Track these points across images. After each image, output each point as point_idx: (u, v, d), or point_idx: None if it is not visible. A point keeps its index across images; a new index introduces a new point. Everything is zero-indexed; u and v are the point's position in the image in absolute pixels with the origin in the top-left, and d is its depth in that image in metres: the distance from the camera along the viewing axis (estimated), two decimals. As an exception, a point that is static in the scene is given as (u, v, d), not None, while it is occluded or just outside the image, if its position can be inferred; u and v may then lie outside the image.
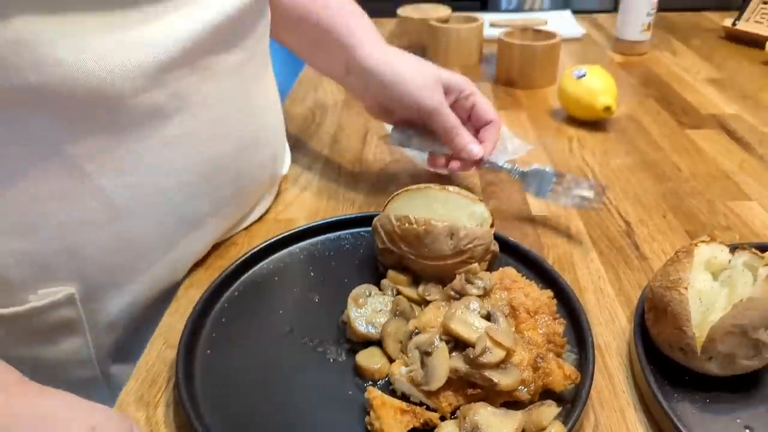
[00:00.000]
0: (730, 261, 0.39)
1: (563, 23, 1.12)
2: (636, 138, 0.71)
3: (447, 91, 0.55)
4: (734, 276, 0.38)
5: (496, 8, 2.16)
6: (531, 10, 2.16)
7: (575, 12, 2.22)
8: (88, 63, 0.35)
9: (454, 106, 0.55)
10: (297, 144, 0.70)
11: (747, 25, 1.04)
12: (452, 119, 0.54)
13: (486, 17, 1.02)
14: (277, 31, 0.58)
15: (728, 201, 0.58)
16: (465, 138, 0.53)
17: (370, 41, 0.55)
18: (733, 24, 1.05)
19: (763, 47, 0.94)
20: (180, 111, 0.41)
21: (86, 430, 0.29)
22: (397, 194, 0.46)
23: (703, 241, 0.40)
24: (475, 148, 0.53)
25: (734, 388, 0.36)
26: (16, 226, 0.38)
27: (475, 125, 0.56)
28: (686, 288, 0.36)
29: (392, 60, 0.54)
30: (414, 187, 0.46)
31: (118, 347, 0.46)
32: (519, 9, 2.16)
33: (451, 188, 0.46)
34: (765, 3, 1.04)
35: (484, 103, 0.56)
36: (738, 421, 0.35)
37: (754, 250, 0.39)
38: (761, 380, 0.37)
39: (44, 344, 0.42)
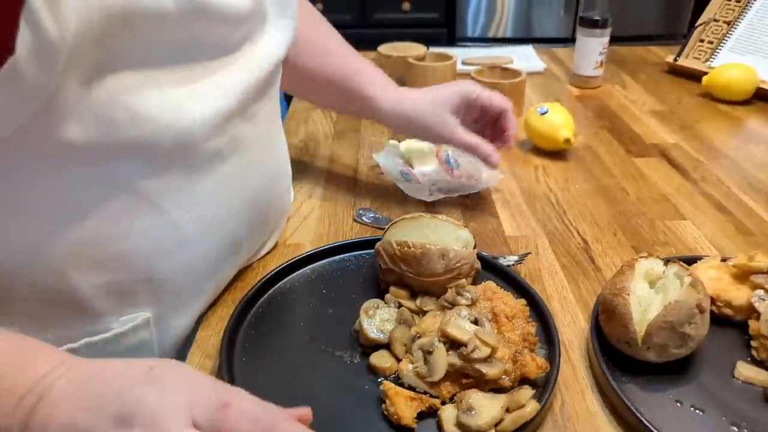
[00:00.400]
0: (664, 272, 0.50)
1: (526, 58, 1.24)
2: (592, 166, 0.81)
3: (458, 108, 0.66)
4: (667, 284, 0.48)
5: (463, 34, 2.29)
6: (495, 37, 2.30)
7: (535, 40, 2.37)
8: (171, 116, 0.42)
9: (468, 110, 0.67)
10: (295, 175, 0.78)
11: (687, 60, 1.17)
12: (467, 139, 0.65)
13: (458, 53, 1.12)
14: (306, 93, 0.74)
15: (666, 220, 0.68)
16: (485, 151, 0.65)
17: (383, 90, 0.67)
18: (675, 60, 1.18)
19: (700, 81, 1.08)
20: (233, 153, 0.49)
21: (145, 369, 0.33)
22: (395, 222, 0.55)
23: (642, 257, 0.50)
24: (495, 158, 0.66)
25: (667, 371, 0.46)
26: (106, 261, 0.44)
27: (491, 115, 0.68)
28: (628, 294, 0.45)
29: (403, 103, 0.66)
30: (409, 216, 0.55)
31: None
32: (483, 36, 2.30)
33: (440, 216, 0.55)
34: (701, 41, 1.19)
35: (489, 98, 0.66)
36: (670, 396, 0.44)
37: (681, 263, 0.49)
38: (687, 365, 0.46)
39: None
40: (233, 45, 0.48)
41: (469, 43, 2.29)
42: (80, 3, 0.33)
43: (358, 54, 0.70)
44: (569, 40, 2.32)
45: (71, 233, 0.42)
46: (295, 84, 0.71)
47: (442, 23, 2.30)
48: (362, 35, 2.27)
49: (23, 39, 0.31)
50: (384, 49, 1.06)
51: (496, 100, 0.67)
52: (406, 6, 2.25)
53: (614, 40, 2.53)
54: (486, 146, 0.65)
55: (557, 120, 0.82)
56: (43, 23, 0.31)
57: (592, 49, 1.06)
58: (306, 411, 0.35)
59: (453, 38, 2.28)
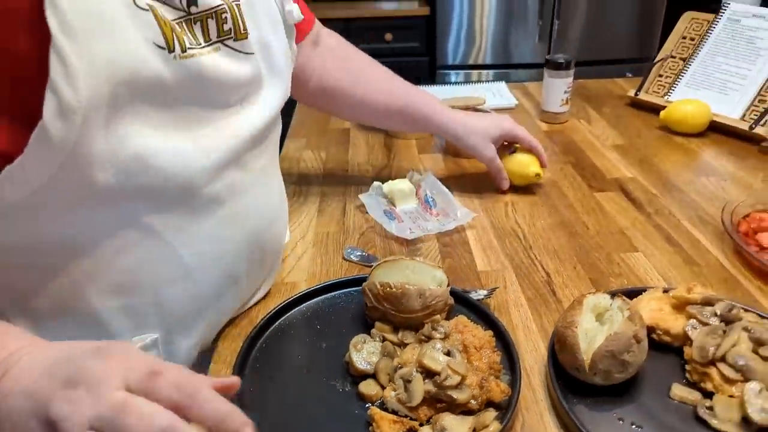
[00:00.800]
0: (611, 304, 0.58)
1: (500, 94, 1.33)
2: (556, 201, 0.90)
3: (497, 139, 0.91)
4: (612, 316, 0.56)
5: (444, 62, 2.40)
6: (474, 64, 2.41)
7: (513, 65, 2.47)
8: (175, 166, 0.50)
9: (504, 145, 0.94)
10: (289, 216, 0.85)
11: (646, 95, 1.27)
12: (497, 164, 0.90)
13: (436, 91, 1.21)
14: (372, 121, 0.96)
15: (621, 253, 0.77)
16: (503, 175, 0.91)
17: (440, 113, 0.89)
18: (636, 94, 1.28)
19: (659, 114, 1.17)
20: (230, 197, 0.57)
21: (95, 346, 0.39)
22: (379, 264, 0.63)
23: (590, 293, 0.58)
24: (506, 183, 0.92)
25: (612, 393, 0.53)
26: (121, 287, 0.52)
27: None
28: (576, 328, 0.54)
29: (456, 125, 0.89)
30: (391, 258, 0.63)
31: None
32: (464, 63, 2.40)
33: (418, 259, 0.63)
34: (660, 76, 1.29)
35: (525, 138, 0.92)
36: (614, 414, 0.52)
37: (624, 297, 0.58)
38: (630, 387, 0.54)
39: None
40: (230, 103, 0.57)
41: (451, 71, 2.40)
42: (90, 75, 0.42)
43: (411, 84, 0.91)
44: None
45: (89, 261, 0.50)
46: (366, 115, 0.92)
47: (423, 52, 2.41)
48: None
49: (48, 105, 0.40)
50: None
51: (527, 138, 0.91)
52: (389, 36, 2.35)
53: (587, 64, 2.64)
54: (504, 172, 0.91)
55: (525, 158, 0.91)
56: (62, 92, 0.40)
57: (558, 88, 1.15)
58: (232, 381, 0.40)
59: (434, 66, 2.38)
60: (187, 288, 0.56)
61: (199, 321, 0.59)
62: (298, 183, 0.96)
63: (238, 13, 0.54)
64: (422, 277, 0.61)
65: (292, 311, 0.64)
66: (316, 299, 0.66)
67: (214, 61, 0.52)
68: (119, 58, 0.44)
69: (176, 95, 0.49)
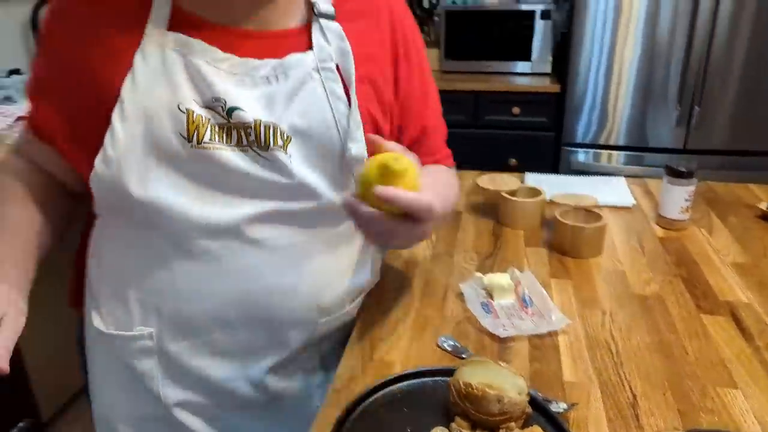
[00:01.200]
0: (690, 446, 0.59)
1: (616, 190, 1.34)
2: (658, 318, 0.90)
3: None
4: (689, 459, 0.58)
5: (572, 140, 2.41)
6: (606, 144, 2.39)
7: (647, 149, 2.42)
8: (178, 218, 0.69)
9: None
10: (394, 295, 0.95)
11: (780, 210, 1.21)
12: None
13: (552, 181, 1.26)
14: None
15: (718, 387, 0.75)
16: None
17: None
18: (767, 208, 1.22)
19: (793, 232, 1.11)
20: (226, 257, 0.72)
21: None
22: (467, 362, 0.69)
23: (667, 432, 0.60)
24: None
25: None
26: (135, 284, 0.74)
27: None
28: (645, 465, 0.56)
29: None
30: (477, 359, 0.70)
31: (172, 378, 0.78)
32: (593, 143, 2.40)
33: (502, 364, 0.69)
34: (799, 190, 1.22)
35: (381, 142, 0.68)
36: None
37: (702, 442, 0.58)
38: None
39: (134, 359, 0.76)
40: (244, 190, 0.71)
41: (578, 149, 2.40)
42: (128, 141, 0.67)
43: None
44: (682, 151, 2.34)
45: (120, 263, 0.75)
46: None
47: (549, 128, 2.44)
48: (474, 134, 2.49)
49: (99, 157, 0.67)
50: (482, 181, 1.23)
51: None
52: (516, 110, 2.42)
53: (734, 153, 2.52)
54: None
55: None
56: (107, 149, 0.67)
57: (677, 195, 1.14)
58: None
59: (560, 143, 2.40)
60: (176, 307, 0.73)
61: (188, 335, 0.75)
62: (407, 262, 1.06)
63: (262, 131, 0.70)
64: (505, 382, 0.67)
65: (385, 390, 0.73)
66: (407, 382, 0.74)
67: (236, 157, 0.69)
68: (151, 136, 0.67)
69: (190, 170, 0.69)
